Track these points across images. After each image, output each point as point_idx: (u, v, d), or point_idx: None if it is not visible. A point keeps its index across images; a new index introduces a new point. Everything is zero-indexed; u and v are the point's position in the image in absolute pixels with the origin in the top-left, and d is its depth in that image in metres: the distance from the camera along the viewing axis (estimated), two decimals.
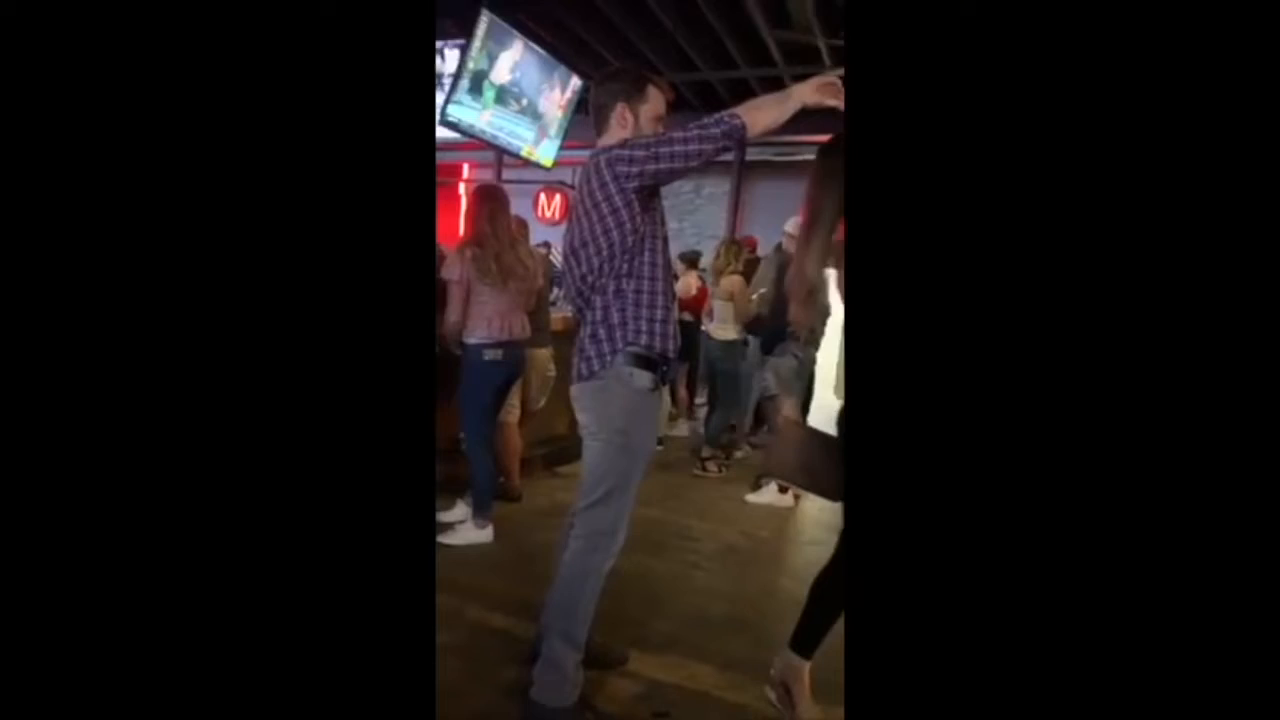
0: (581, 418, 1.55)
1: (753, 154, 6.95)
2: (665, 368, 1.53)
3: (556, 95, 5.66)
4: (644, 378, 1.49)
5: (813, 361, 1.61)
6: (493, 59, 4.85)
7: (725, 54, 5.81)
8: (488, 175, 7.04)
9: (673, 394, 4.47)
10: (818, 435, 1.53)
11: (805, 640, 1.56)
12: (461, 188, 8.56)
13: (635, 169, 1.40)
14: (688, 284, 4.29)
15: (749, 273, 3.85)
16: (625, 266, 1.47)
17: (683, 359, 3.83)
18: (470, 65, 4.73)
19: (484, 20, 4.65)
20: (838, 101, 1.34)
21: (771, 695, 1.62)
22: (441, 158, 8.31)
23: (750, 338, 3.73)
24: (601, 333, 1.49)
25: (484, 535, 2.56)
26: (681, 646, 1.93)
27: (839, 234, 1.43)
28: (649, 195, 1.46)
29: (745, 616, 2.16)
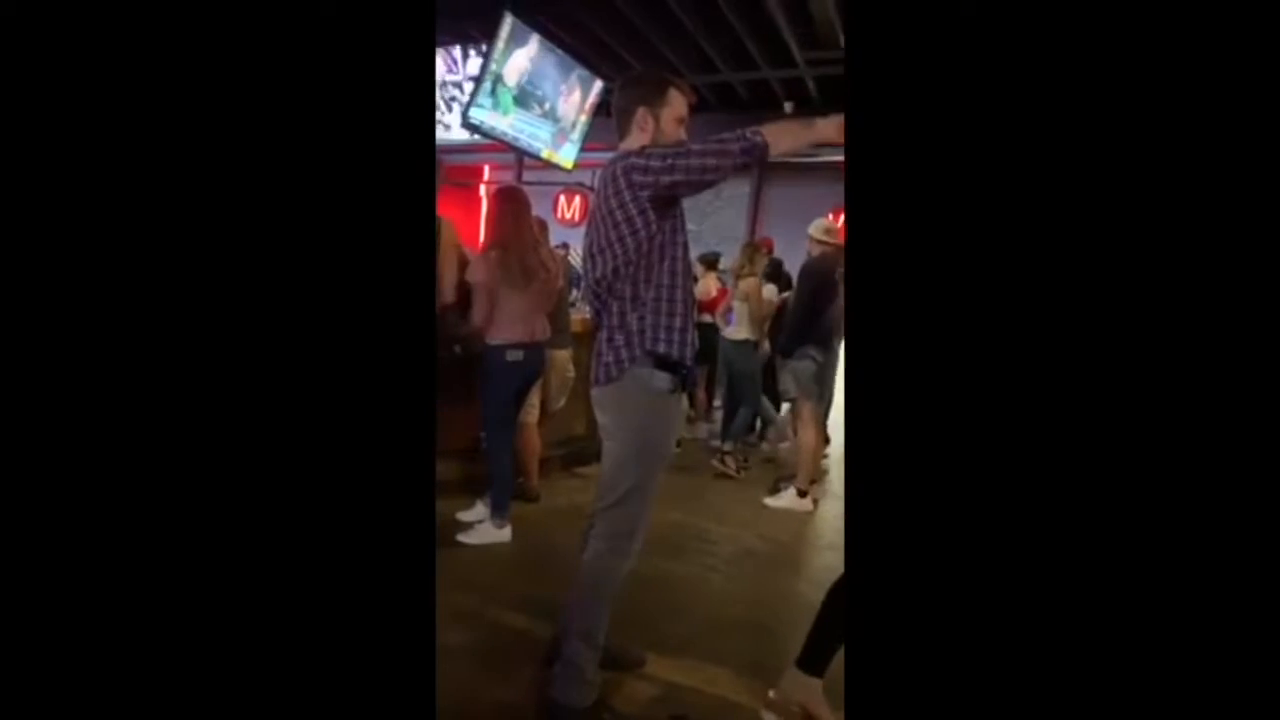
0: (601, 419, 1.56)
1: (773, 156, 6.92)
2: (684, 372, 1.54)
3: (575, 98, 5.68)
4: (663, 379, 1.49)
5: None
6: (512, 61, 4.88)
7: (746, 55, 5.81)
8: (508, 177, 7.08)
9: (690, 396, 4.48)
10: None
11: (815, 656, 1.53)
12: (482, 189, 8.62)
13: (650, 179, 1.40)
14: (707, 286, 4.30)
15: (774, 275, 3.87)
16: (643, 273, 1.47)
17: (701, 362, 3.85)
18: (493, 68, 4.76)
19: (507, 23, 4.68)
20: None
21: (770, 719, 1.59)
22: (462, 160, 8.39)
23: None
24: (619, 338, 1.49)
25: (502, 535, 2.58)
26: (699, 649, 1.93)
27: None
28: (667, 204, 1.46)
29: (763, 620, 2.15)
